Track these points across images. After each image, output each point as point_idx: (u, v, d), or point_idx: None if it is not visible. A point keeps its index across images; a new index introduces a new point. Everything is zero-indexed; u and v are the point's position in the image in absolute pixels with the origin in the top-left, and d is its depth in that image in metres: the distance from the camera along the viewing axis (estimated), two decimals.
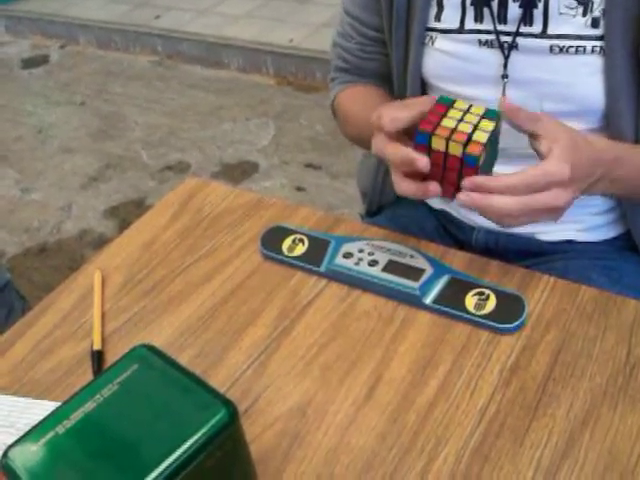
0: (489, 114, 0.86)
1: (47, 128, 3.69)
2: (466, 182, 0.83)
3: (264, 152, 3.23)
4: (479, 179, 0.83)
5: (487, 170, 0.87)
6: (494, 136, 0.85)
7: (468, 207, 0.84)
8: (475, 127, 0.84)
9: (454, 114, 0.86)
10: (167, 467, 0.63)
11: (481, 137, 0.83)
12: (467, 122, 0.85)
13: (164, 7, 4.52)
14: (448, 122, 0.85)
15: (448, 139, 0.83)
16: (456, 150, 0.83)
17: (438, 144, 0.84)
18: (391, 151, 0.87)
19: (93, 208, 3.03)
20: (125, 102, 3.83)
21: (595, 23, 0.95)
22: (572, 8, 0.95)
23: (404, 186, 0.88)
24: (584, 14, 0.95)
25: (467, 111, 0.86)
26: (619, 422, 0.78)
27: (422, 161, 0.84)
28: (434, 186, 0.86)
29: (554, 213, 0.85)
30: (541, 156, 0.84)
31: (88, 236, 2.86)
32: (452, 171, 0.85)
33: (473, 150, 0.83)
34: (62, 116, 3.79)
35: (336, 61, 1.26)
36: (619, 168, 0.93)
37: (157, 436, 0.65)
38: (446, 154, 0.84)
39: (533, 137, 0.86)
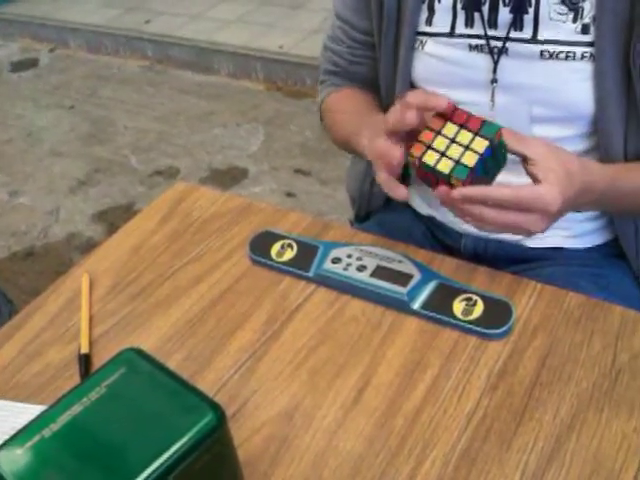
0: (486, 130, 0.85)
1: (36, 132, 3.68)
2: (455, 193, 0.85)
3: (254, 158, 3.23)
4: (470, 192, 0.84)
5: (489, 178, 0.88)
6: (492, 151, 0.85)
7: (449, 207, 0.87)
8: (467, 147, 0.85)
9: (448, 131, 0.86)
10: (154, 471, 0.62)
11: (470, 160, 0.84)
12: (458, 143, 0.85)
13: (155, 12, 4.52)
14: (439, 143, 0.86)
15: (435, 165, 0.85)
16: (443, 174, 0.85)
17: (426, 167, 0.86)
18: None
19: (81, 212, 3.02)
20: (115, 106, 3.83)
21: (585, 29, 0.95)
22: (562, 14, 0.96)
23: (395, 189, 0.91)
24: (574, 20, 0.96)
25: (463, 126, 0.86)
26: (605, 427, 0.78)
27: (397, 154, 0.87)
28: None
29: (526, 234, 0.88)
30: (536, 181, 0.85)
31: (76, 240, 2.85)
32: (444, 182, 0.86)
33: (459, 175, 0.84)
34: (51, 120, 3.78)
35: (326, 64, 1.26)
36: (610, 196, 0.95)
37: (144, 440, 0.65)
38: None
39: (525, 161, 0.86)
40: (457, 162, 0.84)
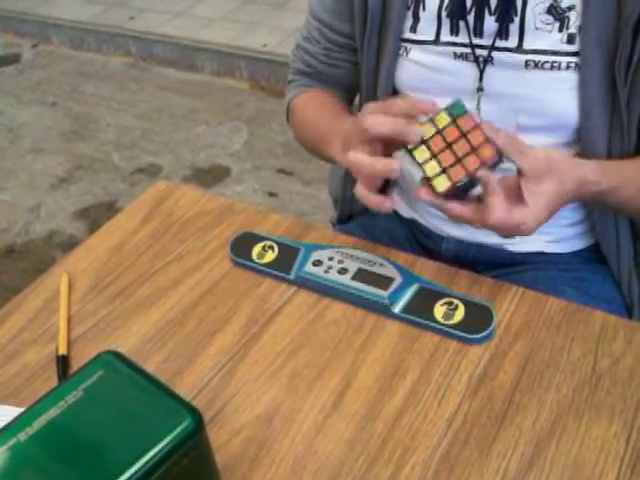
0: (483, 152, 0.84)
1: (17, 128, 3.65)
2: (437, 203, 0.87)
3: (236, 156, 3.22)
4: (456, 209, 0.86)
5: (464, 194, 0.87)
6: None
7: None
8: (459, 160, 0.85)
9: (448, 134, 0.86)
10: (131, 475, 0.62)
11: (456, 175, 0.84)
12: (453, 151, 0.85)
13: (139, 9, 4.50)
14: (436, 143, 0.86)
15: (422, 164, 0.85)
16: (426, 175, 0.85)
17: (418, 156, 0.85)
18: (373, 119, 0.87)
19: (63, 209, 3.00)
20: (97, 103, 3.81)
21: (571, 39, 0.96)
22: (548, 24, 0.96)
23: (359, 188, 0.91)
24: (560, 30, 0.96)
25: (465, 135, 0.85)
26: (585, 433, 0.78)
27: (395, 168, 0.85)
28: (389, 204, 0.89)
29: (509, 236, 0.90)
30: (522, 199, 0.86)
31: (57, 238, 2.83)
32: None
33: (439, 185, 0.85)
34: (33, 116, 3.75)
35: (297, 64, 1.25)
36: (607, 194, 0.95)
37: (122, 444, 0.65)
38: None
39: (520, 173, 0.86)
40: (444, 170, 0.84)
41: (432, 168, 0.84)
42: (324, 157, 1.15)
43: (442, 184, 0.84)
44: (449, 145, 0.85)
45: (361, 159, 0.87)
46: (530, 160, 0.85)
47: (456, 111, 0.86)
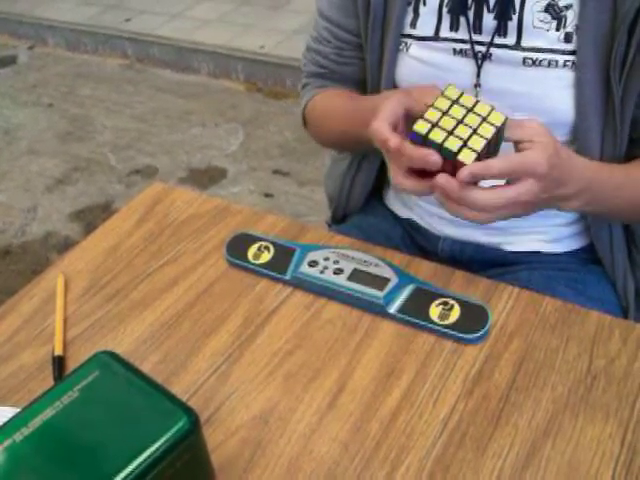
0: (494, 117, 0.84)
1: (14, 129, 3.65)
2: (464, 173, 0.82)
3: (232, 158, 3.22)
4: (475, 168, 0.82)
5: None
6: (496, 138, 0.85)
7: (441, 200, 0.85)
8: (474, 131, 0.83)
9: (455, 112, 0.84)
10: (127, 475, 0.62)
11: (477, 144, 0.82)
12: (466, 124, 0.84)
13: (135, 10, 4.50)
14: (446, 123, 0.84)
15: (442, 144, 0.83)
16: (450, 151, 0.82)
17: (433, 144, 0.83)
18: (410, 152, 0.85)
19: (59, 211, 3.00)
20: (94, 105, 3.81)
21: (568, 38, 0.96)
22: (546, 22, 0.96)
23: (409, 184, 0.87)
24: (557, 29, 0.96)
25: (471, 110, 0.85)
26: (580, 433, 0.78)
27: (434, 157, 0.83)
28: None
29: (521, 209, 0.86)
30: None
31: (53, 239, 2.83)
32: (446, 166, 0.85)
33: (465, 158, 0.82)
34: (29, 117, 3.75)
35: (310, 67, 1.25)
36: (594, 190, 0.94)
37: (117, 444, 0.65)
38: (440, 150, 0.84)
39: (518, 144, 0.86)
40: (465, 143, 0.83)
41: (453, 143, 0.83)
42: (355, 144, 1.13)
43: (469, 156, 0.82)
44: (460, 121, 0.84)
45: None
46: (526, 128, 0.85)
47: (452, 94, 0.86)
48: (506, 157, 0.83)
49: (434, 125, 0.84)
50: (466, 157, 0.82)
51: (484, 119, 0.84)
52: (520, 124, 0.86)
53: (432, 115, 0.84)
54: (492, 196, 0.83)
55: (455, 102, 0.85)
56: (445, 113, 0.85)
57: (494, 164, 0.82)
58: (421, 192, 0.87)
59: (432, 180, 0.83)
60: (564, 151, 0.88)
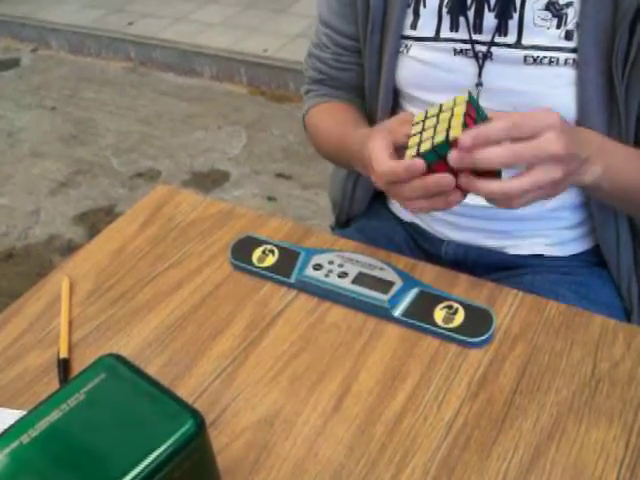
0: (459, 100, 0.86)
1: (17, 132, 3.66)
2: (465, 139, 0.80)
3: (235, 161, 3.23)
4: (474, 132, 0.81)
5: None
6: (473, 112, 0.85)
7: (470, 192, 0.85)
8: (450, 119, 0.84)
9: (429, 123, 0.86)
10: (133, 478, 0.62)
11: (457, 123, 0.83)
12: (442, 121, 0.85)
13: (138, 13, 4.51)
14: (427, 134, 0.85)
15: (433, 147, 0.83)
16: (441, 144, 0.83)
17: (427, 155, 0.84)
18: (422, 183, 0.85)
19: (62, 214, 3.00)
20: (97, 108, 3.81)
21: (569, 35, 0.96)
22: (546, 20, 0.96)
23: (418, 204, 0.88)
24: (558, 26, 0.96)
25: (439, 113, 0.86)
26: (584, 436, 0.78)
27: (447, 178, 0.83)
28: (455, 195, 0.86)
29: (554, 173, 0.82)
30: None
31: (56, 242, 2.83)
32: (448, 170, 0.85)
33: (455, 134, 0.82)
34: (32, 120, 3.76)
35: (311, 72, 1.26)
36: (608, 154, 0.93)
37: (123, 447, 0.65)
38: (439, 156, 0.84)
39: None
40: (448, 130, 0.83)
41: (440, 137, 0.83)
42: (345, 164, 1.16)
43: (457, 130, 0.82)
44: (436, 125, 0.85)
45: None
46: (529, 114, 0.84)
47: (421, 116, 0.88)
48: (509, 115, 0.82)
49: (419, 144, 0.85)
50: (456, 133, 0.82)
51: (452, 108, 0.85)
52: (517, 124, 0.82)
53: (414, 140, 0.86)
54: (508, 151, 0.80)
55: (426, 118, 0.88)
56: (423, 130, 0.86)
57: (492, 124, 0.82)
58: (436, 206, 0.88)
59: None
60: (568, 124, 0.87)
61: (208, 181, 3.11)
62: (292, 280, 0.99)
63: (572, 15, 0.96)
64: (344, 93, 1.23)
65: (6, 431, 0.67)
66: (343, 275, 0.97)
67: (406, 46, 1.07)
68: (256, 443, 0.81)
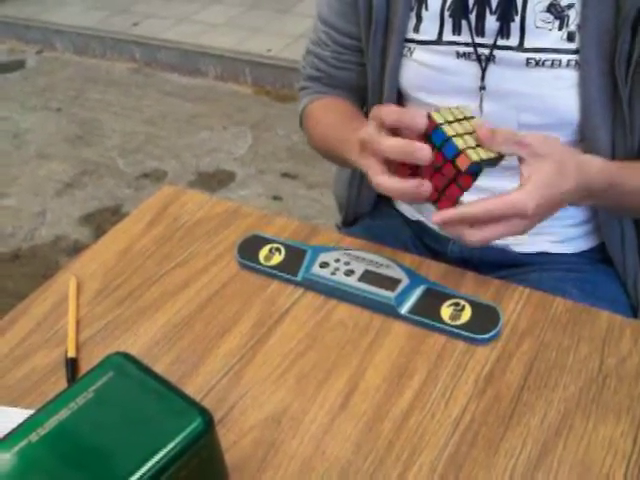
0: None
1: (22, 133, 3.67)
2: (436, 218, 0.86)
3: (241, 161, 3.23)
4: (447, 214, 0.85)
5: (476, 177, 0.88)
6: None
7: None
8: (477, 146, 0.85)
9: (458, 126, 0.86)
10: (142, 476, 0.62)
11: (476, 155, 0.84)
12: (472, 137, 0.85)
13: (143, 14, 4.51)
14: (456, 127, 0.85)
15: (449, 137, 0.84)
16: (470, 158, 0.83)
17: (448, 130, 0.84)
18: (389, 142, 0.85)
19: (68, 215, 3.01)
20: (102, 109, 3.82)
21: (571, 37, 0.96)
22: (548, 22, 0.96)
23: (388, 183, 0.87)
24: (560, 28, 0.96)
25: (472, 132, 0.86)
26: (592, 432, 0.78)
27: (424, 150, 0.83)
28: (427, 185, 0.85)
29: (513, 234, 0.87)
30: (520, 179, 0.85)
31: (63, 243, 2.84)
32: (444, 176, 0.85)
33: (466, 162, 0.83)
34: (38, 122, 3.77)
35: (308, 70, 1.26)
36: (609, 195, 0.95)
37: (132, 445, 0.65)
38: (448, 160, 0.84)
39: (519, 159, 0.86)
40: (465, 149, 0.84)
41: (464, 142, 0.84)
42: (340, 162, 1.16)
43: (474, 154, 0.83)
44: (468, 133, 0.85)
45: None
46: (528, 143, 0.85)
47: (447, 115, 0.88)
48: (485, 202, 0.84)
49: (447, 123, 0.85)
50: (473, 154, 0.83)
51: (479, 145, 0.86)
52: (520, 141, 0.85)
53: (442, 115, 0.85)
54: (476, 233, 0.85)
55: (456, 120, 0.87)
56: (451, 122, 0.86)
57: (468, 209, 0.85)
58: (402, 192, 0.88)
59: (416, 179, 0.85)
60: (571, 166, 0.88)
61: (214, 181, 3.12)
62: (299, 278, 0.99)
63: (574, 16, 0.96)
64: (341, 92, 1.22)
65: (15, 430, 0.67)
66: (350, 273, 0.97)
67: (409, 49, 1.07)
68: (264, 441, 0.81)
